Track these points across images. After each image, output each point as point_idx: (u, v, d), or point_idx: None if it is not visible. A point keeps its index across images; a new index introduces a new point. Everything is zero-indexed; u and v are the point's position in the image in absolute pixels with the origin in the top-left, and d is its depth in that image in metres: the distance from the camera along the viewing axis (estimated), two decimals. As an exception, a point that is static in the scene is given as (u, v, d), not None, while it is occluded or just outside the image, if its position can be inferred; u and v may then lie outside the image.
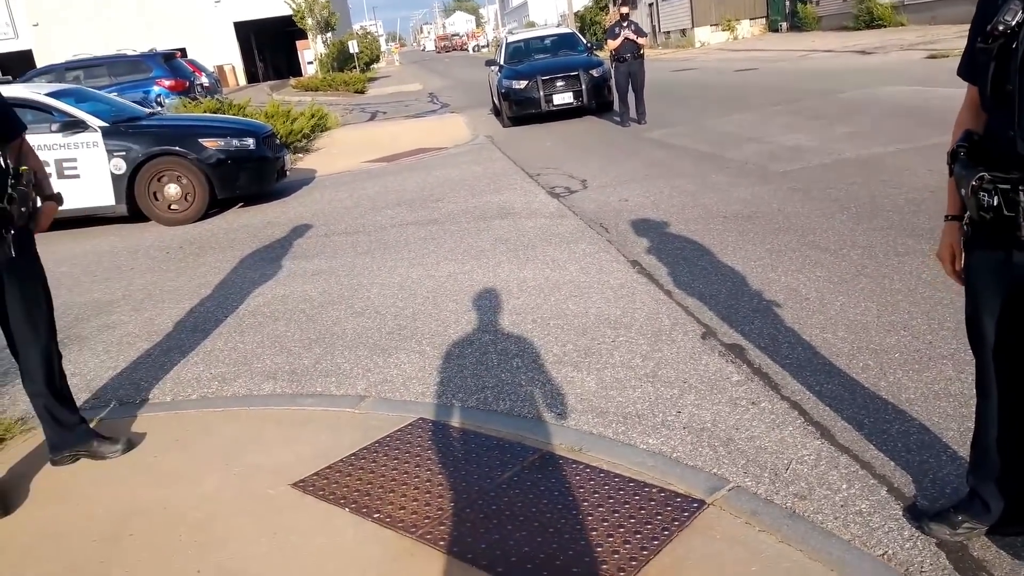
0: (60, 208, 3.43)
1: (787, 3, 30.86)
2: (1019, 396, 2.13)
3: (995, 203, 1.86)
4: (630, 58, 12.25)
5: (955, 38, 17.22)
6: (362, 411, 3.67)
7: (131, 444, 3.47)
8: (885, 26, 23.89)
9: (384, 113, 21.25)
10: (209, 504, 2.97)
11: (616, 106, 12.98)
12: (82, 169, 8.55)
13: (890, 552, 2.34)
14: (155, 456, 3.42)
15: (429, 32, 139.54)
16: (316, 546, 2.65)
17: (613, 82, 12.97)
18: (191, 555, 2.67)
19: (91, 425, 3.55)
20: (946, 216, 2.21)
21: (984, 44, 1.87)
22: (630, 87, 12.39)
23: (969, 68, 2.05)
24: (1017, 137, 1.82)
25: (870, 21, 24.51)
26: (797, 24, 29.68)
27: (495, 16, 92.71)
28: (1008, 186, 1.82)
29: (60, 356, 3.34)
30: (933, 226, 5.21)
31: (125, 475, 3.27)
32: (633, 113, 12.41)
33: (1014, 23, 1.79)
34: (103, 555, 2.73)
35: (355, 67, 37.97)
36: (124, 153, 8.60)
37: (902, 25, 23.49)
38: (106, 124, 8.73)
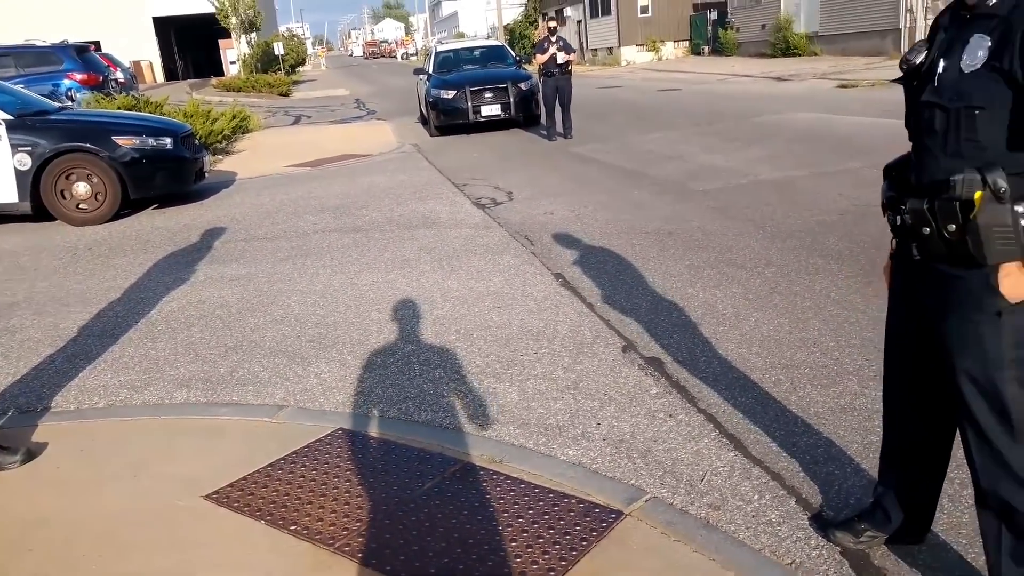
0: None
1: (709, 28, 31.90)
2: (921, 412, 2.22)
3: (898, 222, 1.97)
4: (557, 73, 12.40)
5: (863, 69, 18.14)
6: (280, 421, 3.59)
7: (31, 454, 3.29)
8: (800, 55, 24.96)
9: (309, 117, 20.91)
10: (115, 517, 2.84)
11: (543, 120, 13.13)
12: (-17, 163, 8.09)
13: (798, 560, 2.43)
14: (57, 467, 3.25)
15: (357, 37, 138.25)
16: (229, 559, 2.57)
17: (541, 96, 13.12)
18: (95, 569, 2.55)
19: (-14, 434, 3.35)
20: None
21: (897, 81, 1.98)
22: (557, 101, 12.55)
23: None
24: (914, 170, 1.93)
25: (786, 49, 25.57)
26: (718, 48, 30.71)
27: (425, 25, 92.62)
28: (904, 207, 1.93)
29: (-46, 360, 3.15)
30: (842, 248, 5.47)
31: (25, 487, 3.10)
32: (560, 127, 12.57)
33: (917, 62, 1.90)
34: (2, 570, 2.58)
35: (280, 69, 37.23)
36: (30, 148, 8.19)
37: (816, 55, 24.59)
38: (10, 117, 8.29)
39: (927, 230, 1.86)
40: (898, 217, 1.97)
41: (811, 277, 4.97)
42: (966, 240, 1.79)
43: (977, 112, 1.76)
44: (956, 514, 2.56)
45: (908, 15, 20.59)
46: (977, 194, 1.74)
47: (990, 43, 1.75)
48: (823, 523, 2.56)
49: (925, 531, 2.40)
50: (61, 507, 2.93)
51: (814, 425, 3.21)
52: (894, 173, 2.07)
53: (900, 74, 1.99)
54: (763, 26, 27.47)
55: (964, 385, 1.93)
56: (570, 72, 12.56)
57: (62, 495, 3.02)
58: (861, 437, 3.07)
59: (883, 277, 2.30)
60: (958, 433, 2.08)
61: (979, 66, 1.76)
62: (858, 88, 15.28)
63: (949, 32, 1.87)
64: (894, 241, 2.15)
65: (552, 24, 13.08)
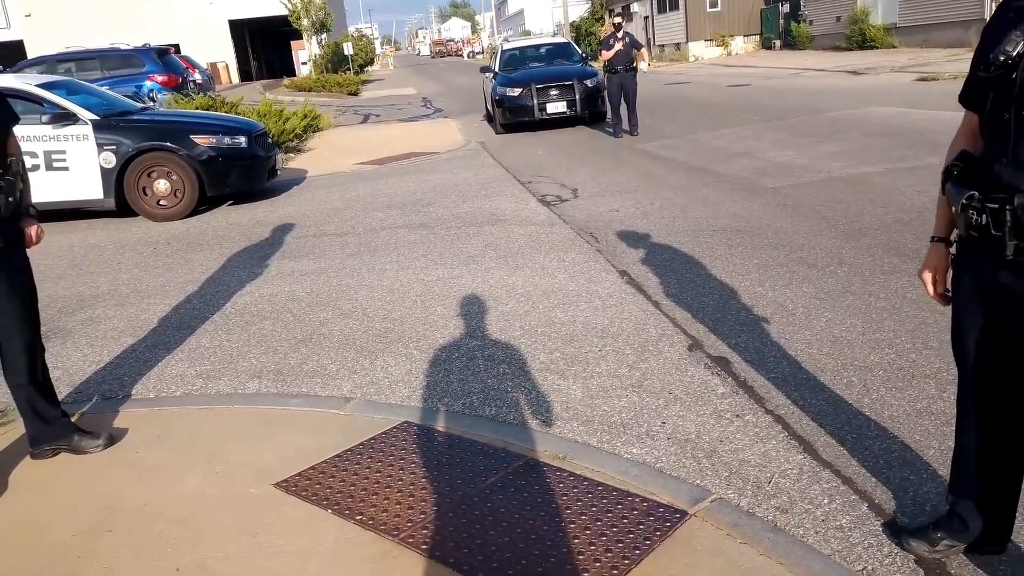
0: (48, 200, 3.41)
1: (781, 21, 31.13)
2: (999, 415, 2.15)
3: (983, 222, 1.89)
4: (622, 70, 12.29)
5: (945, 62, 17.43)
6: (347, 413, 3.66)
7: (112, 439, 3.44)
8: (877, 47, 24.15)
9: (377, 116, 21.26)
10: (190, 502, 2.95)
11: (609, 117, 13.04)
12: (71, 161, 8.49)
13: (869, 568, 2.36)
14: (136, 452, 3.39)
15: (425, 37, 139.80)
16: (297, 547, 2.64)
17: (606, 93, 13.04)
18: (170, 552, 2.65)
19: (72, 419, 3.51)
20: (932, 238, 2.24)
21: (986, 73, 1.90)
22: (622, 98, 12.45)
23: (969, 95, 2.09)
24: (1009, 164, 1.85)
25: (862, 42, 24.77)
26: (790, 42, 29.95)
27: (491, 23, 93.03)
28: (996, 205, 1.86)
29: (43, 349, 3.31)
30: (919, 246, 5.27)
31: (105, 470, 3.25)
32: (625, 124, 12.47)
33: (1015, 53, 1.82)
34: (80, 550, 2.71)
35: (349, 69, 37.96)
36: (114, 147, 8.55)
37: (894, 47, 23.76)
38: (97, 117, 8.67)
39: None
40: (981, 216, 1.89)
41: (886, 277, 4.80)
42: None
43: None
44: (1041, 525, 2.45)
45: (993, 4, 19.71)
46: None
47: None
48: (897, 530, 2.48)
49: (1005, 540, 2.31)
50: (140, 491, 3.05)
51: (888, 429, 3.11)
52: (956, 173, 1.99)
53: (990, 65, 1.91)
54: (838, 18, 26.66)
55: None
56: (635, 69, 12.43)
57: (141, 480, 3.14)
58: (938, 442, 2.95)
59: (929, 284, 2.22)
60: None
61: None
62: (939, 81, 14.69)
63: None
64: (957, 246, 2.07)
65: (617, 20, 12.95)
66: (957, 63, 16.50)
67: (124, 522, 2.85)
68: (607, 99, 13.06)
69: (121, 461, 3.32)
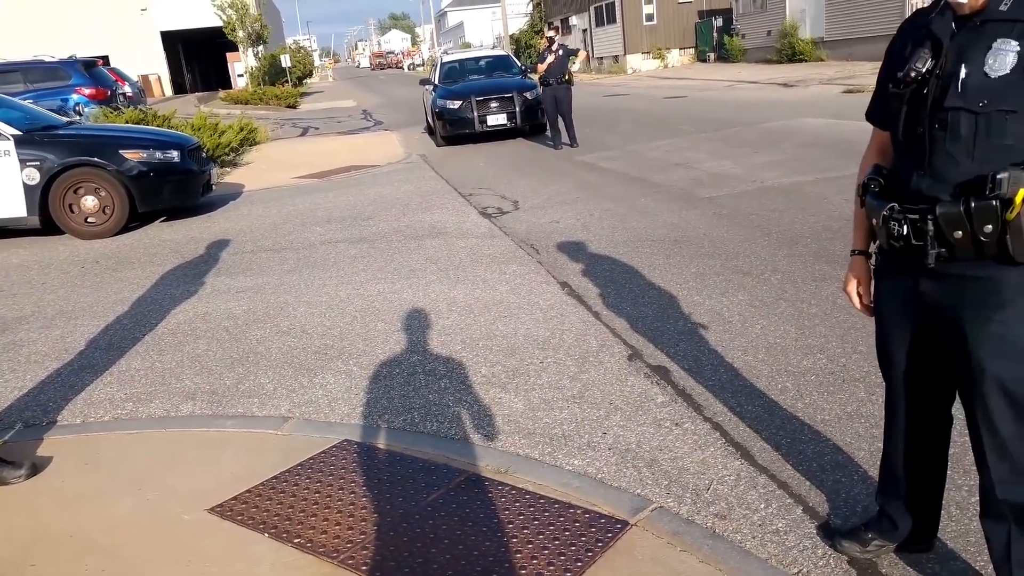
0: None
1: (715, 35, 31.92)
2: (924, 419, 2.22)
3: (904, 231, 1.95)
4: (554, 82, 12.34)
5: (870, 74, 18.09)
6: (285, 433, 3.58)
7: (36, 468, 3.29)
8: (806, 60, 24.93)
9: (316, 129, 21.01)
10: (120, 530, 2.84)
11: (548, 130, 13.14)
12: (-8, 178, 8.15)
13: (804, 570, 2.41)
14: (62, 481, 3.26)
15: (364, 49, 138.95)
16: (233, 572, 2.56)
17: (544, 106, 13.12)
18: (98, 585, 2.55)
19: (-7, 448, 3.36)
20: (852, 251, 2.31)
21: (897, 90, 1.97)
22: (557, 111, 12.55)
23: (878, 111, 2.16)
24: (927, 175, 1.92)
25: (792, 55, 25.55)
26: (724, 55, 30.71)
27: (431, 36, 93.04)
28: (916, 216, 1.92)
29: (-40, 375, 3.16)
30: (848, 253, 5.42)
31: (29, 501, 3.10)
32: (564, 137, 12.57)
33: (924, 70, 1.89)
34: (1, 587, 2.58)
35: (287, 81, 37.47)
36: (38, 163, 8.24)
37: (822, 60, 24.56)
38: (19, 132, 8.35)
39: (959, 233, 1.84)
40: (902, 227, 1.95)
41: (818, 283, 4.94)
42: (1004, 240, 1.78)
43: (1008, 115, 1.77)
44: (964, 521, 2.53)
45: (914, 19, 20.51)
46: (1021, 193, 1.74)
47: (1019, 47, 1.76)
48: (830, 532, 2.54)
49: (932, 538, 2.38)
50: (66, 521, 2.93)
51: (821, 432, 3.18)
52: (874, 187, 2.06)
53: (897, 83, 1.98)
54: (768, 32, 27.47)
55: (989, 390, 1.91)
56: (568, 82, 12.45)
57: (66, 509, 3.02)
58: (868, 444, 3.04)
59: (855, 296, 2.29)
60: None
61: (1008, 70, 1.76)
62: (864, 93, 15.19)
63: (958, 39, 1.86)
64: (877, 257, 2.14)
65: (551, 34, 13.10)
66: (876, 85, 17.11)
67: (49, 555, 2.73)
68: (545, 112, 13.15)
69: (45, 491, 3.18)
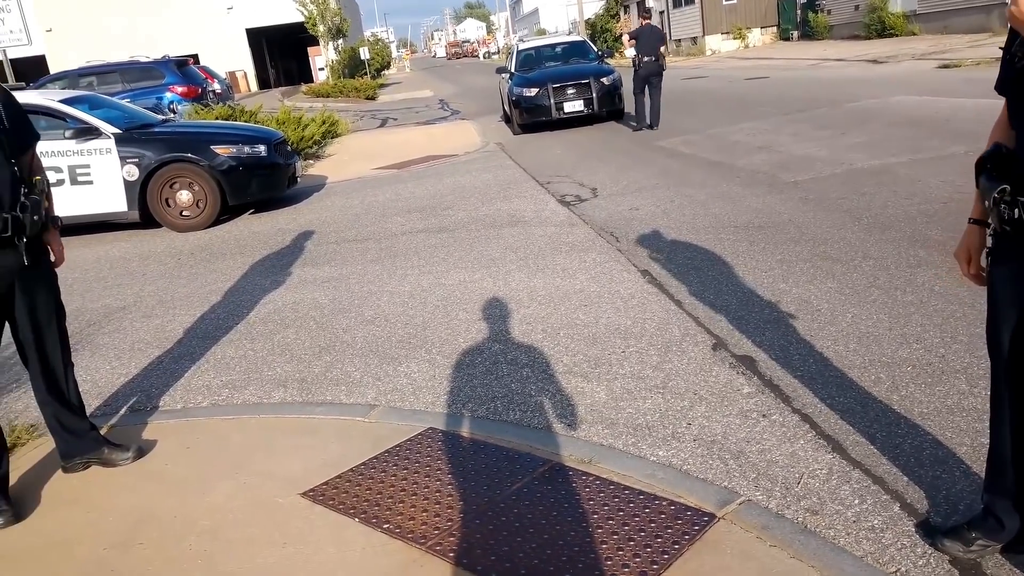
0: (74, 214, 3.45)
1: (798, 12, 30.82)
2: None
3: (1016, 216, 1.86)
4: (648, 60, 12.43)
5: (966, 48, 17.16)
6: (372, 420, 3.67)
7: (142, 452, 3.48)
8: (897, 35, 23.82)
9: (395, 120, 21.33)
10: (219, 513, 2.97)
11: (635, 110, 13.14)
12: (95, 175, 8.61)
13: (903, 569, 2.32)
14: (166, 464, 3.43)
15: (440, 39, 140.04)
16: (326, 556, 2.65)
17: (631, 87, 13.09)
18: (200, 564, 2.67)
19: (102, 432, 3.56)
20: (969, 219, 2.22)
21: (1015, 63, 1.86)
22: (646, 89, 12.58)
23: (1004, 83, 2.05)
24: None
25: (882, 30, 24.44)
26: (808, 33, 29.63)
27: (506, 23, 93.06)
28: None
29: (71, 365, 3.35)
30: (946, 238, 5.20)
31: (135, 483, 3.28)
32: (647, 118, 12.63)
33: None
34: (113, 563, 2.74)
35: (366, 73, 38.14)
36: (137, 160, 8.66)
37: (914, 34, 23.42)
38: (119, 131, 8.78)
39: None
40: (1013, 210, 1.85)
41: (912, 270, 4.74)
42: None
43: None
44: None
45: (1016, -13, 19.33)
46: None
47: None
48: (930, 530, 2.44)
49: (1043, 540, 2.26)
50: (170, 503, 3.09)
51: (919, 426, 3.06)
52: (990, 166, 1.96)
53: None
54: (856, 7, 26.33)
55: None
56: (661, 61, 12.58)
57: (170, 491, 3.18)
58: (970, 439, 2.90)
59: (966, 276, 2.20)
60: None
61: None
62: (961, 68, 14.47)
63: None
64: (990, 238, 2.04)
65: (651, 4, 13.26)
66: (979, 49, 16.24)
67: (155, 534, 2.88)
68: (632, 92, 13.09)
69: (151, 473, 3.35)
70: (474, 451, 3.26)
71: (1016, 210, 1.87)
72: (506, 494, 2.89)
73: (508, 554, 2.54)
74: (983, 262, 2.19)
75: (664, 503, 2.73)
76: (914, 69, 15.85)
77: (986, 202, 1.97)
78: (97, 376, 4.62)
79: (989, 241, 2.09)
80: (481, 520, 2.74)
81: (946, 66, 15.18)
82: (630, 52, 13.04)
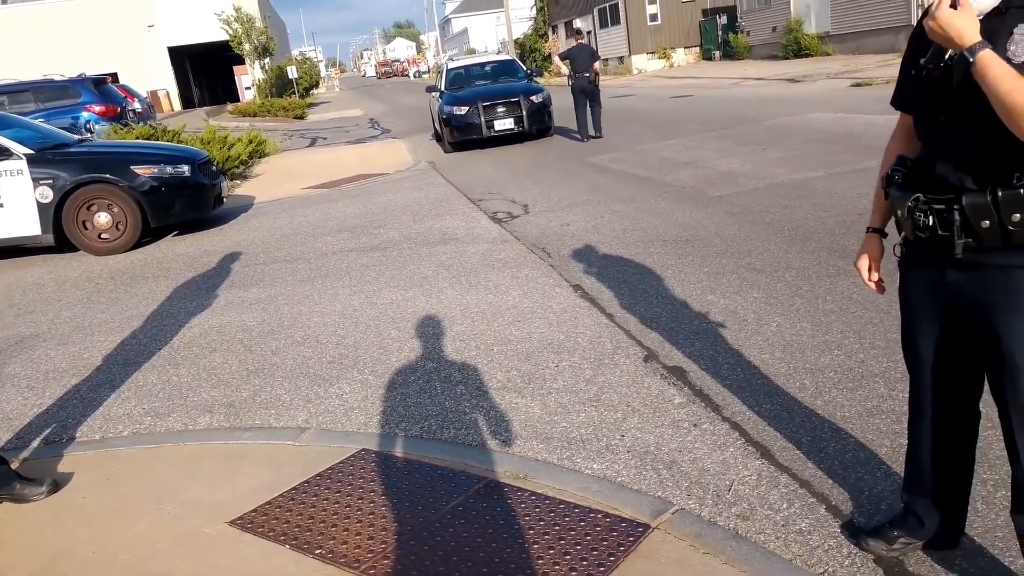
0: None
1: (719, 33, 31.84)
2: (951, 413, 2.19)
3: (931, 223, 1.93)
4: (580, 76, 13.35)
5: (877, 67, 17.99)
6: (303, 443, 3.59)
7: (57, 485, 3.31)
8: (812, 55, 24.81)
9: (324, 139, 21.08)
10: (141, 546, 2.85)
11: (576, 123, 13.80)
12: (5, 198, 8.23)
13: (830, 570, 2.38)
14: (83, 497, 3.27)
15: (369, 58, 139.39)
16: (255, 586, 2.56)
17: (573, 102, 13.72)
18: (121, 601, 2.55)
19: (13, 466, 3.37)
20: (867, 228, 2.31)
21: (920, 76, 1.95)
22: (587, 103, 13.43)
23: (901, 98, 2.14)
24: (951, 164, 1.90)
25: (798, 50, 25.43)
26: (729, 53, 30.62)
27: (436, 43, 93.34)
28: (943, 206, 1.90)
29: (-20, 395, 3.18)
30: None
31: (51, 518, 3.12)
32: (591, 129, 13.43)
33: (947, 56, 1.85)
34: (26, 604, 2.59)
35: (294, 93, 37.65)
36: (51, 181, 8.31)
37: (828, 55, 24.44)
38: (31, 151, 8.42)
39: (986, 223, 1.83)
40: (928, 217, 1.93)
41: (832, 279, 4.91)
42: None
43: None
44: (991, 516, 2.50)
45: (920, 10, 20.41)
46: None
47: None
48: (854, 530, 2.52)
49: (959, 535, 2.35)
50: (88, 537, 2.94)
51: (842, 429, 3.16)
52: (898, 178, 2.04)
53: (914, 74, 1.96)
54: (774, 28, 27.36)
55: (1022, 380, 1.90)
56: (595, 76, 13.53)
57: (88, 525, 3.03)
58: (890, 440, 3.01)
59: (864, 271, 2.28)
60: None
61: None
62: (872, 86, 15.15)
63: (982, 25, 1.82)
64: (900, 248, 2.12)
65: (579, 25, 13.93)
66: (888, 68, 17.04)
67: (73, 572, 2.74)
68: (574, 105, 13.72)
69: (67, 507, 3.19)
70: (408, 471, 3.21)
71: (931, 217, 1.94)
72: (441, 513, 2.85)
73: (443, 574, 2.50)
74: (876, 277, 2.28)
75: (599, 515, 2.74)
76: (829, 87, 16.52)
77: (899, 212, 2.03)
78: (8, 408, 4.39)
79: (898, 251, 2.16)
80: (416, 541, 2.70)
81: (859, 84, 15.87)
82: (565, 70, 13.97)
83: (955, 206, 1.87)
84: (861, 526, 2.53)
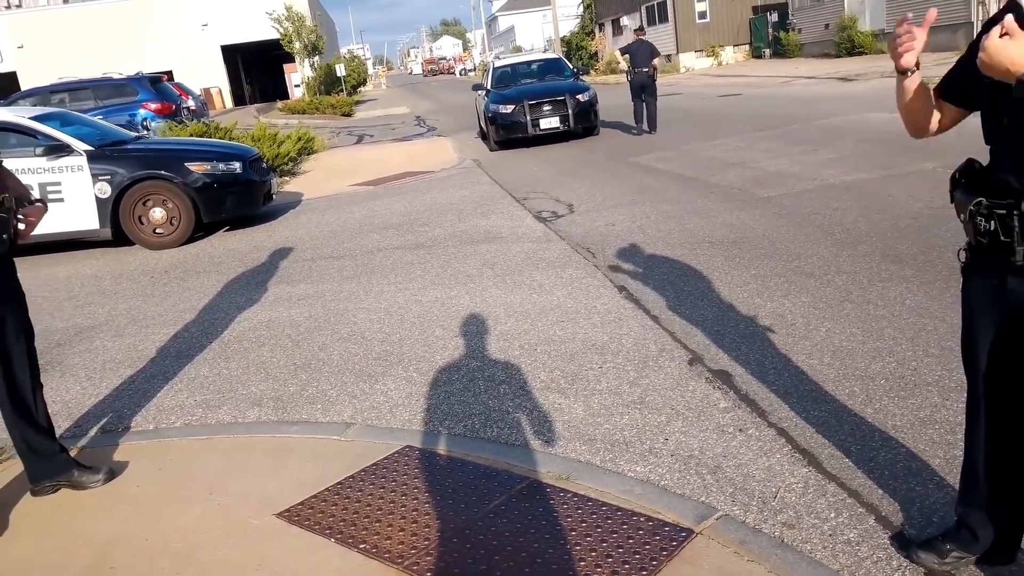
0: (44, 232, 3.38)
1: (769, 30, 31.33)
2: (1009, 423, 2.14)
3: (992, 227, 1.90)
4: (639, 71, 13.72)
5: (934, 65, 17.47)
6: (348, 439, 3.64)
7: (112, 473, 3.41)
8: (866, 53, 24.27)
9: (371, 136, 21.32)
10: (192, 535, 2.92)
11: (633, 115, 14.24)
12: (66, 193, 8.50)
13: (879, 582, 2.34)
14: (137, 486, 3.37)
15: (416, 56, 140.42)
16: (301, 578, 2.61)
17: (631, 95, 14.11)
18: (173, 588, 2.62)
19: (72, 454, 3.49)
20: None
21: (986, 79, 1.90)
22: (643, 96, 13.80)
23: (946, 88, 2.13)
24: (1013, 168, 1.86)
25: (851, 48, 24.90)
26: (779, 51, 30.11)
27: (482, 40, 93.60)
28: (1004, 211, 1.86)
29: (40, 386, 3.29)
30: (916, 252, 5.28)
31: (106, 505, 3.22)
32: (645, 124, 13.79)
33: None
34: (83, 588, 2.68)
35: (342, 90, 38.11)
36: (109, 177, 8.57)
37: (882, 53, 23.84)
38: (91, 148, 8.69)
39: None
40: (989, 223, 1.89)
41: (884, 284, 4.80)
42: None
43: None
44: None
45: (980, 7, 19.83)
46: None
47: None
48: (905, 542, 2.46)
49: (1016, 550, 2.28)
50: (142, 525, 3.03)
51: (893, 438, 3.09)
52: (964, 180, 2.00)
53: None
54: (826, 26, 26.82)
55: None
56: (653, 70, 13.90)
57: (142, 514, 3.12)
58: (944, 451, 2.94)
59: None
60: None
61: None
62: (929, 85, 14.76)
63: None
64: (964, 252, 2.07)
65: (636, 26, 14.21)
66: (946, 67, 16.49)
67: (127, 558, 2.82)
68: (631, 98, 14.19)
69: (122, 495, 3.29)
70: (451, 469, 3.24)
71: (992, 222, 1.90)
72: (484, 512, 2.87)
73: (486, 573, 2.52)
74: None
75: (642, 519, 2.73)
76: (883, 87, 16.13)
77: (961, 215, 2.01)
78: (67, 396, 4.54)
79: (963, 256, 2.12)
80: (459, 539, 2.72)
81: (914, 84, 15.47)
82: (624, 65, 14.40)
83: (1015, 211, 1.82)
84: (912, 538, 2.48)
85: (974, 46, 2.00)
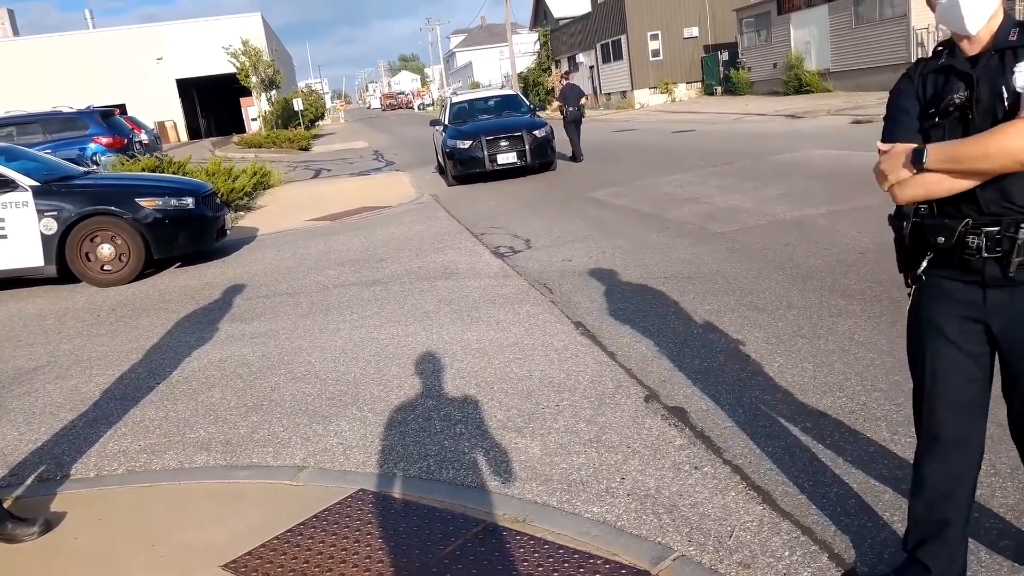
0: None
1: (721, 68, 32.19)
2: (961, 454, 2.21)
3: (981, 244, 2.03)
4: (572, 108, 16.01)
5: (877, 104, 18.09)
6: (300, 483, 3.55)
7: (49, 525, 3.27)
8: (813, 91, 25.05)
9: (329, 171, 21.23)
10: (133, 589, 2.81)
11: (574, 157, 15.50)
12: (10, 229, 8.26)
13: (834, 622, 2.33)
14: (75, 538, 3.23)
15: (374, 90, 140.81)
16: (247, 633, 2.51)
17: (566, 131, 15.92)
18: (111, 647, 2.50)
19: (5, 505, 3.33)
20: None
21: (941, 120, 2.06)
22: (577, 131, 15.86)
23: (898, 135, 2.19)
24: (994, 192, 2.00)
25: (799, 87, 25.69)
26: (730, 88, 30.93)
27: (440, 76, 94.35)
28: (996, 229, 2.01)
29: (-25, 432, 3.15)
30: (862, 287, 5.40)
31: (42, 560, 3.08)
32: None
33: (964, 98, 2.00)
34: (14, 650, 2.54)
35: (300, 124, 37.98)
36: (55, 212, 8.36)
37: (828, 91, 24.66)
38: (37, 183, 8.48)
39: None
40: (981, 240, 2.02)
41: (834, 319, 4.89)
42: None
43: None
44: (994, 567, 2.46)
45: (920, 49, 20.67)
46: None
47: None
48: (858, 580, 2.47)
49: (963, 584, 2.31)
50: (80, 579, 2.90)
51: (844, 475, 3.11)
52: (924, 210, 2.12)
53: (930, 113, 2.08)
54: (774, 65, 27.67)
55: None
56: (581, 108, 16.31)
57: (81, 568, 2.99)
58: (893, 486, 2.97)
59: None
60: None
61: None
62: (873, 123, 15.25)
63: (980, 70, 2.00)
64: (919, 277, 2.14)
65: (564, 68, 14.82)
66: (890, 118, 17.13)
67: (62, 615, 2.69)
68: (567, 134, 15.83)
69: (59, 549, 3.15)
70: (406, 513, 3.17)
71: (980, 239, 2.03)
72: (439, 557, 2.81)
73: (440, 622, 2.46)
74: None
75: (599, 561, 2.70)
76: (830, 124, 16.65)
77: (941, 239, 2.09)
78: (3, 443, 4.36)
79: (918, 282, 2.19)
80: (412, 587, 2.66)
81: (859, 121, 16.01)
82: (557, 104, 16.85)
83: (1011, 228, 1.98)
84: (864, 576, 2.49)
85: (901, 94, 2.14)
